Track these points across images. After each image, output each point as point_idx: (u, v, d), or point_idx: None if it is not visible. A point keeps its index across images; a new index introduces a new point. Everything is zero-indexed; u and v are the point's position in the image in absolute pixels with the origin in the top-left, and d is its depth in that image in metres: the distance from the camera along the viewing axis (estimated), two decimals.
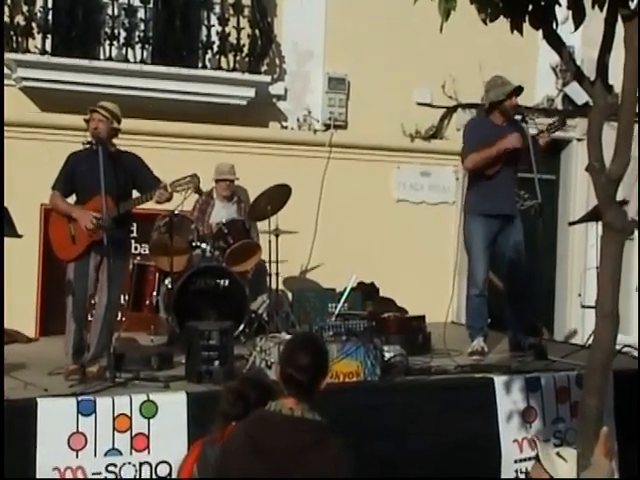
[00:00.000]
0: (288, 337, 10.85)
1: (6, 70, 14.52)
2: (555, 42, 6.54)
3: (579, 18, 6.12)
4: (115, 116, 11.16)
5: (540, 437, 10.93)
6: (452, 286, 15.04)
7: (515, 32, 6.55)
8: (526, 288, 13.23)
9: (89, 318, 11.15)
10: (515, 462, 10.87)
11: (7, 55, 14.39)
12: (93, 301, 11.14)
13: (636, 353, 14.41)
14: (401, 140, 16.27)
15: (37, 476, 9.42)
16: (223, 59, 15.48)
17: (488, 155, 12.44)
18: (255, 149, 15.16)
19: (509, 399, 11.26)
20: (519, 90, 12.49)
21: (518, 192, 12.53)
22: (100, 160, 10.64)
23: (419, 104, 16.30)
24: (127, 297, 13.82)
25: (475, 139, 12.86)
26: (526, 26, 6.53)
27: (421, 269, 15.36)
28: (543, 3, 6.42)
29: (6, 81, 14.55)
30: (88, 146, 11.07)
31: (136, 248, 14.90)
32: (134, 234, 14.64)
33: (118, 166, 10.88)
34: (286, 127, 16.41)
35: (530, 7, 6.39)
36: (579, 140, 15.82)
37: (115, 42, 14.90)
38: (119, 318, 12.35)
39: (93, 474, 9.57)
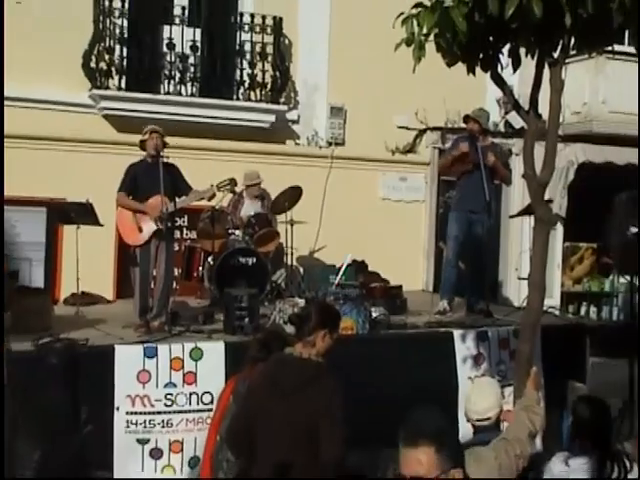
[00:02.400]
0: (300, 300, 10.90)
1: (91, 101, 14.60)
2: (499, 81, 6.57)
3: (517, 64, 6.14)
4: (164, 135, 11.27)
5: (486, 374, 10.98)
6: (422, 263, 15.05)
7: (470, 74, 6.57)
8: (481, 265, 13.27)
9: (151, 286, 11.15)
10: None
11: (93, 91, 14.52)
12: (154, 273, 11.15)
13: (557, 312, 14.45)
14: (385, 154, 16.24)
15: (115, 402, 9.52)
16: (252, 93, 15.51)
17: (450, 158, 12.73)
18: (275, 160, 15.14)
19: (464, 347, 11.32)
20: (468, 118, 12.56)
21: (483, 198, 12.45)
22: (160, 167, 10.81)
23: (399, 127, 16.26)
24: (180, 271, 13.84)
25: (447, 152, 13.23)
26: (477, 69, 6.54)
27: (399, 250, 15.35)
28: (490, 53, 6.43)
29: (91, 110, 14.65)
30: (147, 158, 11.13)
31: (186, 234, 14.93)
32: (185, 224, 14.74)
33: (166, 173, 10.88)
34: (298, 144, 16.40)
35: (480, 55, 6.40)
36: (517, 155, 15.76)
37: (172, 81, 14.96)
38: (174, 286, 12.34)
39: (155, 401, 9.69)
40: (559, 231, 16.81)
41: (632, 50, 14.43)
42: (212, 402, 9.58)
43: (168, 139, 11.58)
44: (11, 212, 12.75)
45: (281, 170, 14.33)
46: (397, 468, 5.77)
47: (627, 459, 6.74)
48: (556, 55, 6.33)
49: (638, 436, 4.80)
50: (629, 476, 6.62)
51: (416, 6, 6.26)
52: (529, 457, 6.00)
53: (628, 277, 14.47)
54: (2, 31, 12.33)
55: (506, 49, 6.41)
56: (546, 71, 6.49)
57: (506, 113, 16.19)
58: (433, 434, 4.36)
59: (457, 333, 11.44)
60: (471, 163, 12.41)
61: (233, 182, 11.66)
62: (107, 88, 14.56)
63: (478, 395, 6.84)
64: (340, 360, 6.50)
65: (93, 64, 14.55)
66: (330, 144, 16.39)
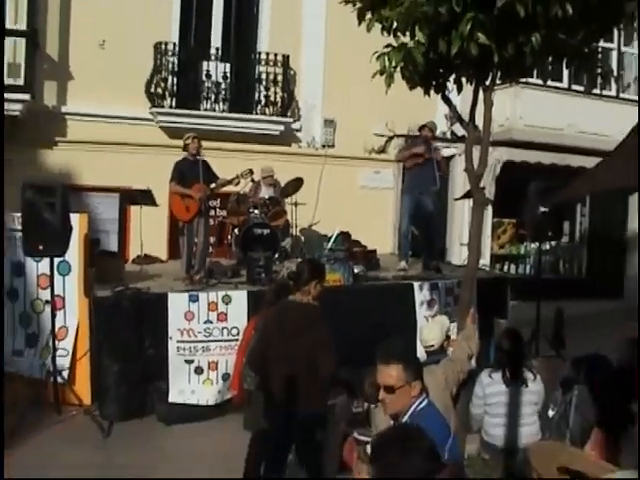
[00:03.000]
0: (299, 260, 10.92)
1: (151, 116, 14.63)
2: (447, 101, 6.55)
3: (459, 89, 6.10)
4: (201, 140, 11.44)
5: (437, 314, 10.99)
6: (391, 233, 15.04)
7: (426, 96, 6.56)
8: (432, 233, 13.28)
9: (194, 250, 11.15)
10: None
11: (152, 109, 14.55)
12: (195, 240, 11.15)
13: (487, 269, 14.46)
14: (364, 154, 16.21)
15: (169, 334, 9.59)
16: (267, 109, 15.48)
17: (408, 153, 12.65)
18: (283, 158, 15.05)
19: (421, 294, 11.35)
20: (425, 126, 12.56)
21: (431, 182, 12.44)
22: (200, 164, 11.09)
23: (374, 134, 16.20)
24: (214, 239, 13.92)
25: (405, 149, 13.19)
26: (432, 92, 6.53)
27: (374, 224, 15.31)
28: (441, 80, 6.41)
29: (151, 123, 14.69)
30: (189, 156, 11.22)
31: (219, 212, 14.93)
32: (218, 205, 14.77)
33: (203, 167, 11.05)
34: (301, 146, 16.31)
35: (434, 82, 6.38)
36: (460, 155, 15.74)
37: (209, 100, 14.96)
38: (210, 250, 12.34)
39: (197, 333, 9.73)
40: (489, 210, 16.80)
41: (539, 82, 14.65)
42: (238, 334, 9.68)
43: (206, 144, 11.75)
44: (94, 197, 12.82)
45: (288, 165, 14.25)
46: (372, 381, 5.81)
47: (532, 371, 6.79)
48: (487, 83, 6.31)
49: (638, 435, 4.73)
50: (533, 384, 6.66)
51: (387, 46, 6.23)
52: (467, 372, 6.03)
53: (537, 244, 14.50)
54: (2, 31, 12.27)
55: (452, 78, 6.39)
56: (480, 95, 6.49)
57: (451, 125, 16.13)
58: (402, 355, 4.42)
59: (416, 284, 11.48)
60: (422, 158, 12.36)
61: (250, 172, 11.94)
62: (162, 107, 14.58)
63: (426, 329, 6.85)
64: (332, 304, 6.52)
65: (152, 89, 14.60)
66: (324, 146, 16.33)
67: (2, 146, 10.57)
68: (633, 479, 4.33)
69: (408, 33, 6.09)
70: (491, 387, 6.65)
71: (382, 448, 3.38)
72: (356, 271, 11.54)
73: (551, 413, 7.17)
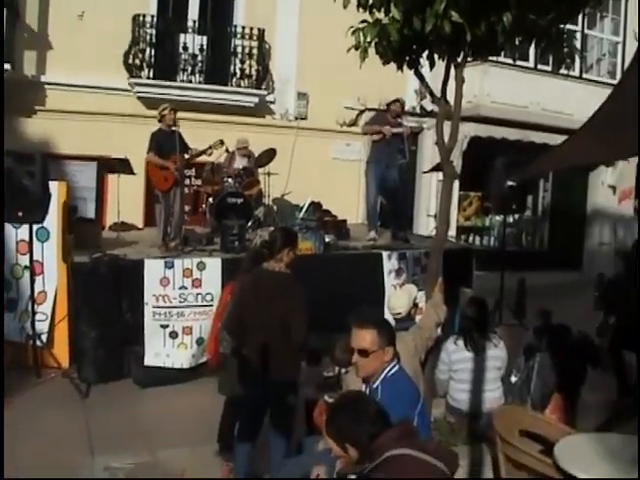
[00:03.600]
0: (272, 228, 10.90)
1: (129, 87, 14.49)
2: (420, 77, 6.53)
3: (432, 65, 6.10)
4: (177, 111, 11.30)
5: (405, 283, 11.04)
6: (360, 204, 15.05)
7: (399, 71, 6.54)
8: (400, 205, 13.29)
9: (170, 218, 11.09)
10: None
11: (130, 80, 14.40)
12: (172, 210, 11.09)
13: (454, 240, 14.53)
14: (336, 127, 16.18)
15: (145, 299, 9.58)
16: (242, 82, 15.39)
17: (373, 130, 12.50)
18: (258, 130, 14.98)
19: (390, 264, 11.36)
20: (397, 101, 12.50)
21: (398, 155, 12.42)
22: (177, 136, 10.94)
23: (345, 107, 16.16)
24: (189, 207, 13.85)
25: (372, 121, 12.97)
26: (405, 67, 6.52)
27: (344, 194, 15.30)
28: (414, 56, 6.40)
29: (128, 93, 14.57)
30: (164, 127, 11.06)
31: (194, 181, 14.86)
32: (193, 174, 14.69)
33: (178, 138, 10.93)
34: (275, 118, 16.24)
35: (407, 58, 6.37)
36: (428, 129, 15.76)
37: (185, 72, 14.84)
38: (185, 218, 12.28)
39: (173, 298, 9.72)
40: (455, 183, 16.83)
41: (507, 60, 14.68)
42: (212, 300, 9.73)
43: (182, 114, 11.62)
44: (72, 166, 12.71)
45: (262, 137, 14.17)
46: (343, 346, 5.83)
47: (496, 339, 6.86)
48: (459, 60, 6.32)
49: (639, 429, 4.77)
50: (497, 351, 6.73)
51: (362, 22, 6.20)
52: (435, 339, 6.09)
53: (501, 217, 14.59)
54: (2, 32, 12.15)
55: (425, 54, 6.38)
56: (452, 71, 6.49)
57: (421, 100, 16.15)
58: (376, 321, 4.47)
59: (385, 253, 11.48)
60: (389, 131, 12.32)
61: (221, 142, 11.72)
62: (140, 77, 14.44)
63: (394, 297, 6.89)
64: (304, 272, 6.51)
65: (131, 61, 14.45)
66: (297, 119, 16.28)
67: (2, 144, 10.46)
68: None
69: (383, 9, 6.07)
70: (456, 354, 6.71)
71: (334, 413, 3.65)
72: (327, 240, 11.52)
73: (514, 379, 7.29)
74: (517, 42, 6.35)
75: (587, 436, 5.57)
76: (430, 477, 3.35)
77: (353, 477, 3.63)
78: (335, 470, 4.27)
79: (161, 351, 9.62)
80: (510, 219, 17.83)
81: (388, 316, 6.71)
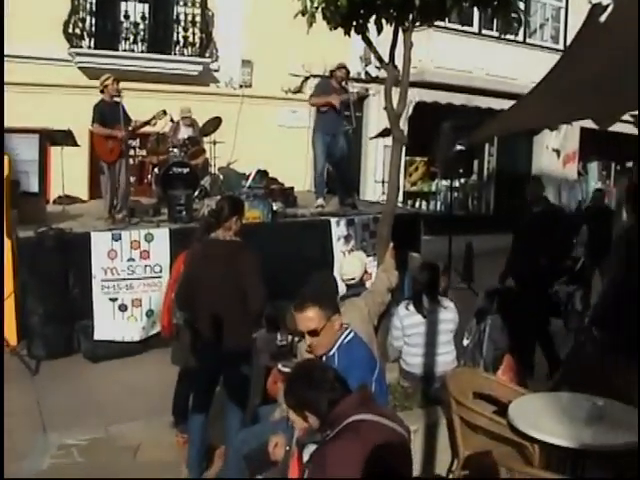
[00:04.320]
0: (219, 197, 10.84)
1: (70, 57, 14.25)
2: (367, 42, 6.49)
3: (379, 29, 6.05)
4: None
5: (354, 249, 11.08)
6: (307, 171, 14.97)
7: (346, 36, 6.50)
8: (347, 171, 13.29)
9: (115, 189, 10.93)
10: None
11: (70, 50, 14.19)
12: (117, 181, 10.93)
13: (401, 205, 14.57)
14: (281, 94, 16.17)
15: (93, 272, 9.48)
16: (185, 50, 15.28)
17: (321, 101, 12.39)
18: (202, 98, 14.83)
19: (338, 230, 11.39)
20: (341, 67, 12.41)
21: (344, 122, 12.36)
22: (121, 106, 10.74)
23: (291, 74, 16.12)
24: (135, 178, 13.69)
25: (319, 91, 12.82)
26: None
27: (291, 162, 15.20)
28: (362, 21, 6.35)
29: (70, 64, 14.31)
30: (107, 98, 10.89)
31: (138, 152, 14.66)
32: (138, 145, 14.49)
33: (122, 109, 10.73)
34: (219, 87, 16.15)
35: (355, 23, 6.32)
36: (373, 95, 15.74)
37: (127, 41, 14.68)
38: (131, 189, 12.13)
39: (121, 271, 9.66)
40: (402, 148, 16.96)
41: (451, 26, 14.75)
42: (161, 271, 9.75)
43: (125, 84, 11.38)
44: (13, 138, 12.39)
45: (207, 105, 14.04)
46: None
47: (447, 302, 6.90)
48: (407, 24, 6.28)
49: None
50: (448, 314, 6.78)
51: None
52: (387, 304, 6.12)
53: (447, 181, 14.69)
54: (2, 33, 11.94)
55: (373, 19, 6.33)
56: (400, 36, 6.45)
57: (366, 65, 16.15)
58: (314, 297, 4.48)
59: (333, 220, 11.51)
60: (337, 100, 12.25)
61: (164, 112, 11.56)
62: (81, 47, 14.24)
63: (346, 264, 6.89)
64: (253, 240, 6.49)
65: (71, 30, 14.21)
66: (241, 86, 16.17)
67: (2, 144, 10.29)
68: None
69: None
70: (408, 318, 6.73)
71: (292, 382, 3.65)
72: (275, 208, 11.49)
73: (466, 342, 7.37)
74: (465, 6, 6.32)
75: (539, 396, 5.65)
76: (391, 441, 3.37)
77: (314, 445, 3.63)
78: (293, 438, 4.27)
79: (110, 325, 9.55)
80: (456, 184, 18.02)
81: (340, 283, 6.74)
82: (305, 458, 3.73)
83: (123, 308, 9.67)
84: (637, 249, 6.14)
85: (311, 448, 3.70)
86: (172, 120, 12.62)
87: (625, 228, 6.93)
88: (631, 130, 24.31)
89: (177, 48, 15.19)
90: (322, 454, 3.38)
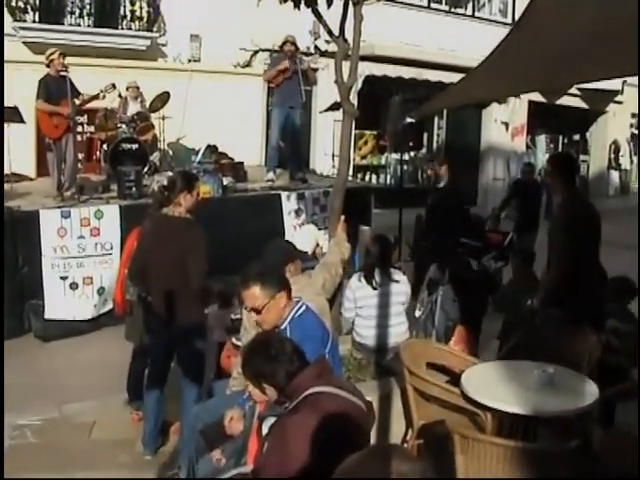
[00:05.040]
0: (171, 174, 10.74)
1: (13, 32, 13.95)
2: (317, 15, 6.47)
3: (330, 2, 6.03)
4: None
5: (305, 223, 11.13)
6: (258, 145, 14.97)
7: (289, 11, 6.49)
8: (298, 145, 13.29)
9: (63, 167, 10.78)
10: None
11: (14, 24, 13.92)
12: (64, 158, 10.78)
13: (351, 179, 14.60)
14: (230, 68, 16.10)
15: (42, 251, 9.40)
16: (132, 24, 15.09)
17: (273, 72, 12.38)
18: (150, 73, 14.69)
19: (289, 204, 11.44)
20: (289, 41, 12.35)
21: (300, 97, 12.32)
22: (67, 81, 10.50)
23: (240, 49, 16.05)
24: (83, 155, 13.53)
25: (272, 65, 12.84)
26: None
27: (242, 136, 15.14)
28: None
29: (14, 38, 13.99)
30: (53, 73, 10.66)
31: (86, 128, 14.44)
32: (85, 120, 14.26)
33: (69, 84, 10.51)
34: (167, 61, 16.00)
35: None
36: (323, 69, 15.69)
37: (73, 15, 14.48)
38: (79, 166, 12.01)
39: (71, 249, 9.55)
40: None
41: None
42: (112, 248, 9.72)
43: (71, 59, 11.22)
44: None
45: (155, 80, 13.91)
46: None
47: (399, 274, 6.97)
48: None
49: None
50: (400, 286, 6.84)
51: None
52: (341, 276, 6.17)
53: (397, 155, 14.75)
54: (2, 32, 11.72)
55: None
56: (350, 9, 6.44)
57: (315, 39, 16.10)
58: (257, 275, 4.48)
59: (284, 194, 11.56)
60: (288, 73, 12.22)
61: (113, 86, 11.34)
62: (25, 21, 14.01)
63: (298, 237, 6.93)
64: (203, 215, 6.47)
65: (14, 3, 13.95)
66: (190, 61, 16.03)
67: (2, 147, 10.10)
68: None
69: None
70: (360, 290, 6.78)
71: (250, 354, 3.65)
72: (225, 183, 11.49)
73: (418, 313, 7.45)
74: None
75: (491, 365, 5.75)
76: (349, 413, 3.40)
77: (273, 418, 3.65)
78: (253, 413, 4.30)
79: (61, 304, 9.48)
80: (406, 157, 18.09)
81: None
82: (264, 431, 3.76)
83: (74, 286, 9.60)
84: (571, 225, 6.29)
85: (270, 421, 3.73)
86: (120, 96, 12.54)
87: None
88: (578, 103, 24.78)
89: (124, 22, 14.99)
90: (281, 427, 3.39)
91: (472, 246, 9.15)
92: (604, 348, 6.07)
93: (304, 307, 4.63)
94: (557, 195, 6.71)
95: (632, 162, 29.47)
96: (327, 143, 16.90)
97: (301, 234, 7.13)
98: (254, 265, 4.74)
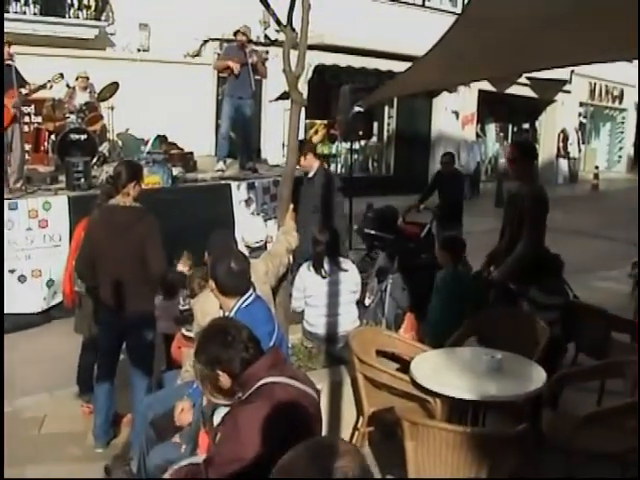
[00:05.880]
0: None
1: None
2: (266, 4, 6.45)
3: None
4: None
5: (255, 213, 11.13)
6: (208, 135, 14.89)
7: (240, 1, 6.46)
8: (249, 135, 13.27)
9: (9, 158, 10.60)
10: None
11: None
12: (11, 149, 10.61)
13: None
14: (181, 58, 16.06)
15: None
16: (80, 13, 15.02)
17: (222, 65, 12.41)
18: (99, 62, 14.55)
19: (239, 194, 11.42)
20: (240, 31, 12.31)
21: (251, 87, 12.27)
22: (13, 70, 10.35)
23: (189, 38, 16.00)
24: (30, 146, 13.33)
25: (223, 55, 12.91)
26: None
27: (191, 125, 15.08)
28: None
29: None
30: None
31: (34, 119, 14.22)
32: (33, 111, 14.04)
33: (15, 73, 10.36)
34: (116, 51, 15.86)
35: None
36: (273, 58, 15.65)
37: (19, 3, 14.39)
38: (26, 157, 11.83)
39: (19, 241, 9.45)
40: (302, 112, 16.99)
41: None
42: (61, 240, 9.58)
43: (18, 48, 11.11)
44: None
45: (103, 70, 13.78)
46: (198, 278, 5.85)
47: (348, 263, 6.99)
48: None
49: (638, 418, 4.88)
50: (350, 275, 6.87)
51: None
52: (286, 265, 6.17)
53: (348, 144, 14.75)
54: (2, 33, 11.47)
55: None
56: None
57: (265, 29, 16.08)
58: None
59: (234, 184, 11.54)
60: (240, 63, 12.17)
61: (61, 75, 11.17)
62: None
63: (250, 228, 6.92)
64: (153, 205, 6.42)
65: None
66: (139, 50, 15.94)
67: (2, 151, 10.00)
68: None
69: None
70: (310, 279, 6.80)
71: (206, 339, 3.60)
72: (174, 173, 11.45)
73: (368, 301, 7.49)
74: None
75: (440, 351, 5.81)
76: (302, 404, 3.42)
77: (225, 409, 3.65)
78: (198, 403, 4.30)
79: (10, 297, 9.32)
80: (356, 146, 18.12)
81: (242, 247, 6.74)
82: (216, 420, 3.76)
83: (22, 279, 9.48)
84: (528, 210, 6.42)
85: (222, 411, 3.73)
86: (68, 85, 12.38)
87: (512, 193, 7.11)
88: (527, 92, 25.08)
89: (71, 11, 14.89)
90: (233, 417, 3.40)
91: (378, 237, 9.15)
92: (540, 306, 6.61)
93: (252, 297, 4.65)
94: (520, 180, 6.83)
95: (580, 150, 29.93)
96: (278, 133, 16.89)
97: (251, 223, 7.12)
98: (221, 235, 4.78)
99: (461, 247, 7.05)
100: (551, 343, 5.76)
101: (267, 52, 15.34)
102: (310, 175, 8.83)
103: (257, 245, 6.56)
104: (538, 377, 5.07)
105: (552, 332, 5.91)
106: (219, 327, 3.70)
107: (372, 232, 9.13)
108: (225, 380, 3.53)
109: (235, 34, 12.35)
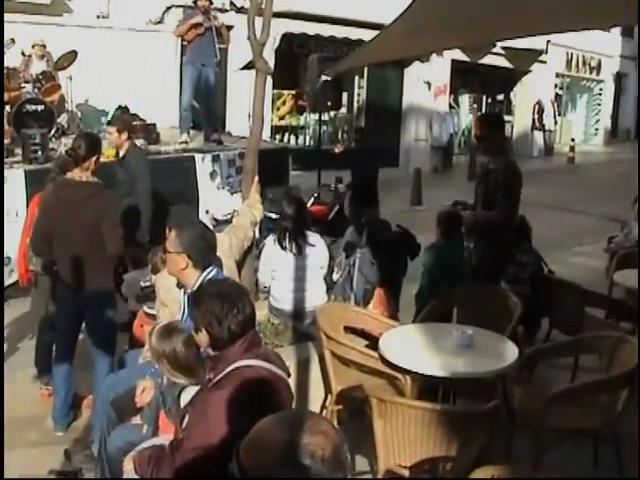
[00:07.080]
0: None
1: None
2: None
3: None
4: None
5: (220, 186, 11.09)
6: (172, 104, 14.77)
7: None
8: (213, 105, 13.18)
9: None
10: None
11: None
12: None
13: (268, 139, 14.56)
14: (143, 26, 15.96)
15: None
16: None
17: (185, 27, 12.30)
18: (56, 29, 14.34)
19: (203, 166, 11.36)
20: None
21: (213, 54, 12.15)
22: None
23: (151, 5, 15.84)
24: None
25: (183, 21, 12.88)
26: None
27: (154, 95, 14.92)
28: None
29: None
30: None
31: None
32: None
33: None
34: (73, 17, 15.66)
35: None
36: (239, 26, 15.56)
37: None
38: None
39: None
40: (269, 81, 16.86)
41: None
42: (17, 216, 9.36)
43: None
44: None
45: (61, 37, 13.59)
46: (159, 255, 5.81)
47: (315, 237, 6.96)
48: None
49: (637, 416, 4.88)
50: (317, 249, 6.85)
51: None
52: (251, 239, 6.15)
53: (316, 115, 14.72)
54: (2, 35, 11.23)
55: None
56: None
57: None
58: (178, 224, 4.53)
59: (198, 156, 11.49)
60: (202, 28, 12.04)
61: (12, 41, 11.32)
62: None
63: (216, 201, 6.90)
64: (113, 178, 6.36)
65: None
66: (98, 17, 15.70)
67: (2, 153, 9.87)
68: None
69: None
70: (276, 254, 6.77)
71: (208, 295, 3.64)
72: (137, 145, 11.31)
73: (336, 276, 7.48)
74: None
75: (409, 327, 5.82)
76: (274, 386, 3.48)
77: (193, 388, 3.66)
78: (158, 384, 4.30)
79: None
80: (325, 117, 18.06)
81: (207, 220, 6.71)
82: (184, 401, 3.76)
83: None
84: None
85: (191, 391, 3.73)
86: (23, 53, 12.15)
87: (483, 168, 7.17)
88: (502, 62, 25.10)
89: None
90: (204, 403, 3.43)
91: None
92: (514, 280, 7.08)
93: (214, 272, 4.63)
94: (490, 156, 6.84)
95: (556, 123, 30.03)
96: (244, 104, 16.77)
97: (215, 197, 7.07)
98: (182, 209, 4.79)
99: (453, 222, 7.07)
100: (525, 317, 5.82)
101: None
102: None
103: (224, 218, 6.53)
104: (510, 353, 5.09)
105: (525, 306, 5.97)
106: (239, 291, 3.74)
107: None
108: (205, 340, 3.58)
109: (196, 0, 12.20)
